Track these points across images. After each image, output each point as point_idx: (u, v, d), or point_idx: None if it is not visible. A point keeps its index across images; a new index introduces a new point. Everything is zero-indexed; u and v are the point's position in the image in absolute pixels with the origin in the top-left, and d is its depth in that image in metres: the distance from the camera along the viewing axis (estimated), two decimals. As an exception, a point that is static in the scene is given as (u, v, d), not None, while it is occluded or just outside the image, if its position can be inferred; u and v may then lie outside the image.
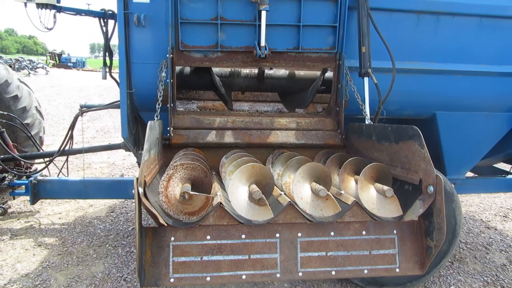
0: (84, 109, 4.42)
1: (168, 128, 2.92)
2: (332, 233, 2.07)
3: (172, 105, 2.94)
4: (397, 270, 2.10)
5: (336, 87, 3.15)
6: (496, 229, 5.47)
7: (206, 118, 3.09)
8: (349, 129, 3.07)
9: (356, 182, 2.32)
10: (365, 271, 2.07)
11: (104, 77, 3.82)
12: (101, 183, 4.49)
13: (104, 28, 3.44)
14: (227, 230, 1.99)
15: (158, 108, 2.71)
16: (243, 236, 2.00)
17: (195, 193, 1.92)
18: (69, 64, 56.17)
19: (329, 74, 3.44)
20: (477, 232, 5.33)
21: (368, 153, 2.73)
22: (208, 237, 1.97)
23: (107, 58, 3.64)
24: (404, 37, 3.28)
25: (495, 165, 5.31)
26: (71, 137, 4.50)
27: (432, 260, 2.07)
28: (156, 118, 2.68)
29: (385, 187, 2.06)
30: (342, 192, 2.24)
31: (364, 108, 3.00)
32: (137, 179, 1.77)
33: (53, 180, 4.46)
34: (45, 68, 41.78)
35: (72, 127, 4.42)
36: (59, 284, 3.49)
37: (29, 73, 35.23)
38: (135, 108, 3.23)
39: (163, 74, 2.85)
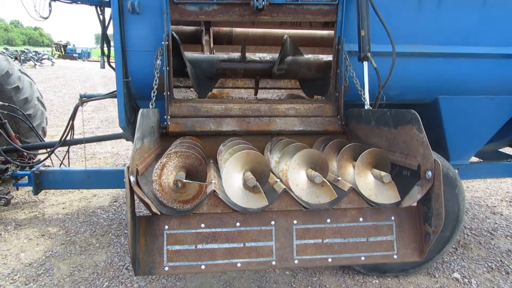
0: (84, 99, 4.41)
1: (165, 117, 2.89)
2: (328, 220, 2.04)
3: (168, 93, 2.90)
4: (395, 256, 2.07)
5: (335, 72, 3.09)
6: (502, 215, 5.41)
7: (204, 106, 3.05)
8: (349, 115, 3.02)
9: (373, 175, 2.26)
10: (362, 258, 2.05)
11: (103, 66, 3.80)
12: (103, 173, 4.49)
13: (101, 17, 3.40)
14: (221, 218, 1.97)
15: (153, 96, 2.68)
16: (238, 224, 1.98)
17: (188, 181, 1.89)
18: (74, 55, 56.35)
19: (328, 58, 3.37)
20: (482, 217, 5.28)
21: (368, 138, 2.68)
22: (202, 225, 1.96)
23: (105, 47, 3.60)
24: (404, 19, 3.20)
25: (501, 150, 5.23)
26: (72, 127, 4.50)
27: (430, 246, 2.03)
28: (151, 106, 2.65)
29: (383, 173, 2.02)
30: (339, 178, 2.20)
31: (364, 93, 2.94)
32: (128, 167, 1.75)
33: (56, 170, 4.48)
34: (51, 59, 41.89)
35: (72, 117, 4.42)
36: (62, 273, 3.52)
37: (35, 64, 35.36)
38: (132, 97, 3.20)
39: (158, 61, 2.81)
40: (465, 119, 3.59)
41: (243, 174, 2.04)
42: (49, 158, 4.86)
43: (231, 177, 2.00)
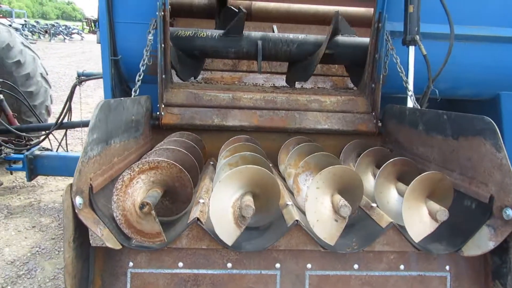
0: (83, 77, 3.94)
1: (158, 105, 2.35)
2: (355, 266, 1.47)
3: (163, 76, 2.36)
4: (447, 321, 1.49)
5: (372, 58, 2.45)
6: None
7: (207, 94, 2.49)
8: (387, 112, 2.40)
9: (399, 192, 1.67)
10: (401, 321, 1.48)
11: (99, 41, 3.29)
12: (104, 160, 4.05)
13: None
14: (207, 256, 1.43)
15: (138, 81, 2.14)
16: (229, 265, 1.44)
17: (154, 213, 1.33)
18: (104, 30, 56.51)
19: (362, 40, 2.72)
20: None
21: (411, 146, 2.06)
22: (181, 264, 1.43)
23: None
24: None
25: None
26: (70, 109, 4.05)
27: (500, 313, 1.43)
28: (134, 94, 2.12)
29: (437, 206, 1.42)
30: (374, 205, 1.61)
31: (408, 85, 2.30)
32: (71, 186, 1.22)
33: (51, 155, 4.08)
34: (80, 34, 42.08)
35: (69, 98, 3.97)
36: (44, 275, 3.11)
37: (64, 38, 35.56)
38: (123, 79, 2.68)
39: (150, 36, 2.26)
40: (531, 122, 2.89)
41: (241, 197, 1.48)
42: (49, 142, 4.47)
43: (222, 201, 1.45)
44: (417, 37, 2.26)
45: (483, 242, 1.40)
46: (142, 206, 1.34)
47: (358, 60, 2.69)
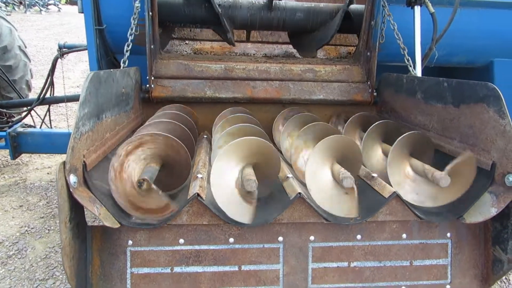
0: (65, 50, 3.77)
1: (148, 78, 2.26)
2: (358, 237, 1.46)
3: (152, 46, 2.25)
4: (448, 287, 1.51)
5: (368, 24, 2.38)
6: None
7: (198, 65, 2.40)
8: (383, 81, 2.36)
9: (412, 168, 1.60)
10: (403, 288, 1.49)
11: (81, 10, 3.12)
12: (90, 136, 3.93)
13: None
14: (208, 231, 1.41)
15: (126, 51, 2.03)
16: (232, 240, 1.41)
17: (155, 187, 1.29)
18: (81, 1, 54.36)
19: (358, 6, 2.64)
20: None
21: (409, 115, 2.04)
22: (182, 240, 1.40)
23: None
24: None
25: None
26: (52, 84, 3.89)
27: (501, 277, 1.46)
28: (122, 65, 2.02)
29: (438, 173, 1.40)
30: (374, 175, 1.59)
31: (409, 51, 2.25)
32: (64, 164, 1.16)
33: (35, 132, 3.94)
34: (57, 5, 40.36)
35: (51, 71, 3.80)
36: (36, 254, 3.06)
37: (41, 10, 34.09)
38: (109, 50, 2.55)
39: (137, 4, 2.13)
40: (524, 89, 2.88)
41: (241, 171, 1.44)
42: (32, 118, 4.31)
43: (223, 175, 1.41)
44: None
45: (485, 209, 1.40)
46: (140, 184, 1.29)
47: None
